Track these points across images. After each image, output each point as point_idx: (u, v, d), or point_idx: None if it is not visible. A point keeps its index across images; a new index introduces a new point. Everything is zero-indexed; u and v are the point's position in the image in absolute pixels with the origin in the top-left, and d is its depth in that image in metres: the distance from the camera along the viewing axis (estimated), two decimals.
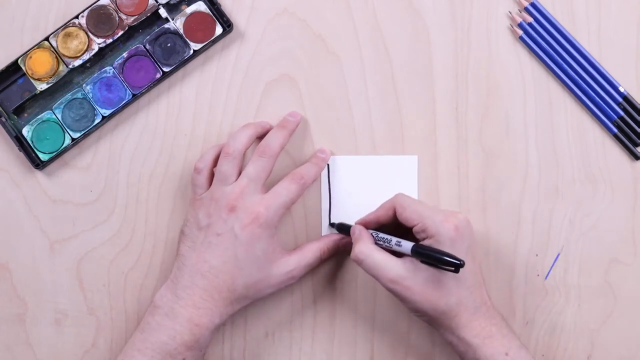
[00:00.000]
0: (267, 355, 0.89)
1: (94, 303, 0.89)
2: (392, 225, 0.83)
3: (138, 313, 0.88)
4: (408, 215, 0.80)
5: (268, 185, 0.85)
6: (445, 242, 0.77)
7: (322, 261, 0.86)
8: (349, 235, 0.83)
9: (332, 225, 0.88)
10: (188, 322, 0.80)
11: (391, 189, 0.86)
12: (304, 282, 0.88)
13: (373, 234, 0.82)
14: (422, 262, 0.77)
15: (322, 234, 0.88)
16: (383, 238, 0.81)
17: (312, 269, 0.87)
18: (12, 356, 0.88)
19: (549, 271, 0.88)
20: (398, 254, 0.80)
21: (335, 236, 0.87)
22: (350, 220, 0.87)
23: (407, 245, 0.78)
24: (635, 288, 0.88)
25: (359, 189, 0.88)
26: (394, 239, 0.80)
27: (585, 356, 0.88)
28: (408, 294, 0.78)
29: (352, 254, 0.81)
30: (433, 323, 0.81)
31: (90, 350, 0.89)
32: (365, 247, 0.80)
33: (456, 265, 0.75)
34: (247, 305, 0.84)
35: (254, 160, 0.84)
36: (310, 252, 0.85)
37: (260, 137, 0.87)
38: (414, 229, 0.80)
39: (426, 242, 0.78)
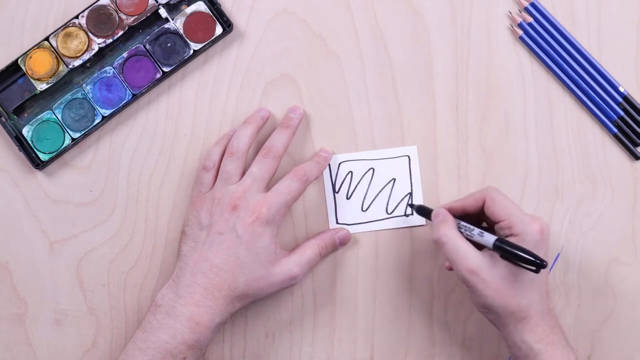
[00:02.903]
0: (267, 355, 0.89)
1: (94, 303, 0.89)
2: (473, 217, 0.81)
3: (138, 313, 0.88)
4: (497, 210, 0.79)
5: (269, 184, 0.85)
6: (530, 242, 0.77)
7: (321, 257, 0.86)
8: (429, 218, 0.82)
9: (411, 206, 0.87)
10: (188, 321, 0.80)
11: (394, 181, 0.88)
12: (304, 282, 0.88)
13: (456, 221, 0.81)
14: (502, 256, 0.76)
15: None
16: (465, 226, 0.80)
17: (313, 269, 0.87)
18: (12, 356, 0.88)
19: (549, 271, 0.88)
20: (477, 246, 0.79)
21: (332, 231, 0.87)
22: (355, 217, 0.87)
23: (489, 238, 0.77)
24: (635, 288, 0.88)
25: (362, 184, 0.88)
26: (477, 229, 0.79)
27: (585, 356, 0.88)
28: (482, 287, 0.77)
29: (435, 235, 0.79)
30: (498, 322, 0.80)
31: (90, 350, 0.89)
32: (449, 231, 0.79)
33: (538, 265, 0.74)
34: (247, 305, 0.84)
35: (259, 160, 0.85)
36: (309, 248, 0.85)
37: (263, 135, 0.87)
38: (499, 225, 0.78)
39: (509, 240, 0.78)
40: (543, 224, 0.78)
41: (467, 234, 0.79)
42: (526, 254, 0.75)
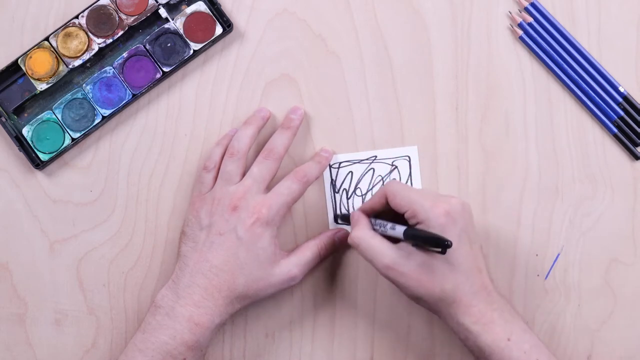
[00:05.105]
0: (267, 355, 0.89)
1: (94, 303, 0.89)
2: (391, 213, 0.81)
3: (138, 313, 0.88)
4: (398, 202, 0.79)
5: (270, 185, 0.85)
6: (435, 227, 0.76)
7: (321, 258, 0.86)
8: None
9: (336, 218, 0.88)
10: (188, 322, 0.80)
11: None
12: (304, 282, 0.88)
13: (371, 220, 0.82)
14: (414, 245, 0.76)
15: None
16: (379, 223, 0.80)
17: (312, 269, 0.87)
18: (12, 356, 0.88)
19: (549, 271, 0.88)
20: (395, 240, 0.79)
21: (332, 232, 0.87)
22: None
23: (400, 229, 0.78)
24: (635, 288, 0.88)
25: (363, 185, 0.88)
26: (389, 224, 0.79)
27: (585, 356, 0.88)
28: (403, 280, 0.78)
29: (349, 239, 0.80)
30: (433, 309, 0.80)
31: (90, 350, 0.89)
32: (361, 232, 0.80)
33: (443, 246, 0.73)
34: (247, 306, 0.84)
35: (259, 161, 0.85)
36: (308, 249, 0.85)
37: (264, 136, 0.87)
38: (406, 216, 0.78)
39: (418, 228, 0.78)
40: (451, 205, 0.77)
41: (381, 231, 0.80)
42: (430, 237, 0.74)
